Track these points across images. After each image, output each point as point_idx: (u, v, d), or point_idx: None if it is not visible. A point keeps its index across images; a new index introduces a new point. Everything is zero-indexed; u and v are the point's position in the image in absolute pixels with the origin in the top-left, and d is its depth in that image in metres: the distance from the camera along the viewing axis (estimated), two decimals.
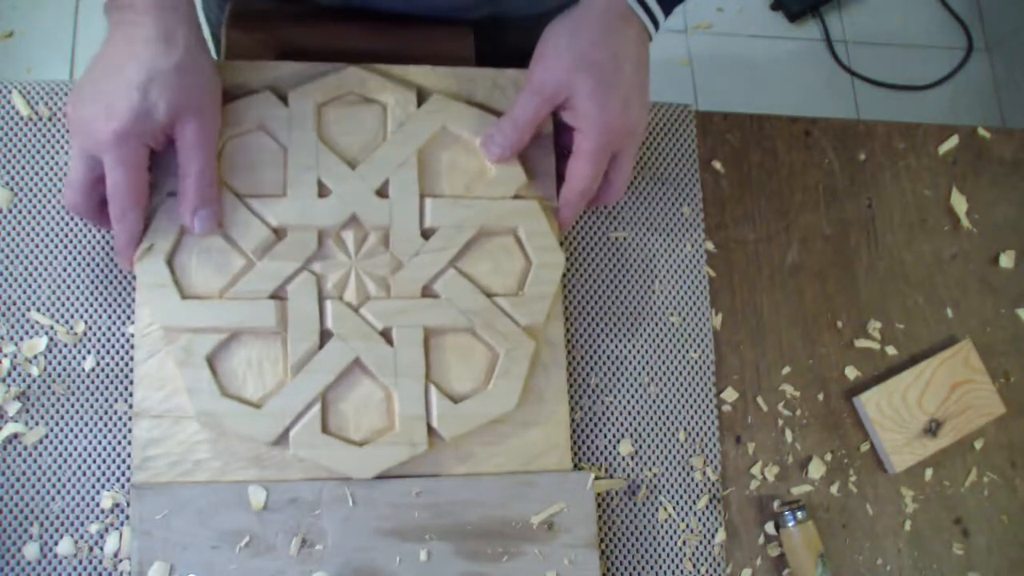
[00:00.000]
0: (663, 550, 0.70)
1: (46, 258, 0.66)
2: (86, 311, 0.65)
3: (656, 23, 0.67)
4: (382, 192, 0.66)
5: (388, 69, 0.69)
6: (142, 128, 0.58)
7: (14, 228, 0.66)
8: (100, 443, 0.63)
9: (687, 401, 0.72)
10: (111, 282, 0.66)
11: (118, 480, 0.63)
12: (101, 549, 0.62)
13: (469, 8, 0.76)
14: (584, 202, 0.67)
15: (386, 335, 0.65)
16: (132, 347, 0.65)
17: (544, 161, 0.71)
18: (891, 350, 0.78)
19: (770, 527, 0.72)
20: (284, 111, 0.66)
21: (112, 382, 0.64)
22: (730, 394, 0.74)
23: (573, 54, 0.64)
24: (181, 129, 0.60)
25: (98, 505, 0.62)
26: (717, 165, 0.79)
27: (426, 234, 0.66)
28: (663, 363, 0.72)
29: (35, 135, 0.67)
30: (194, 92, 0.60)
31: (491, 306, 0.66)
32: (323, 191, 0.65)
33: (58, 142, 0.68)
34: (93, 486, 0.63)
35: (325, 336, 0.64)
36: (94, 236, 0.66)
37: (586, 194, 0.66)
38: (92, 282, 0.66)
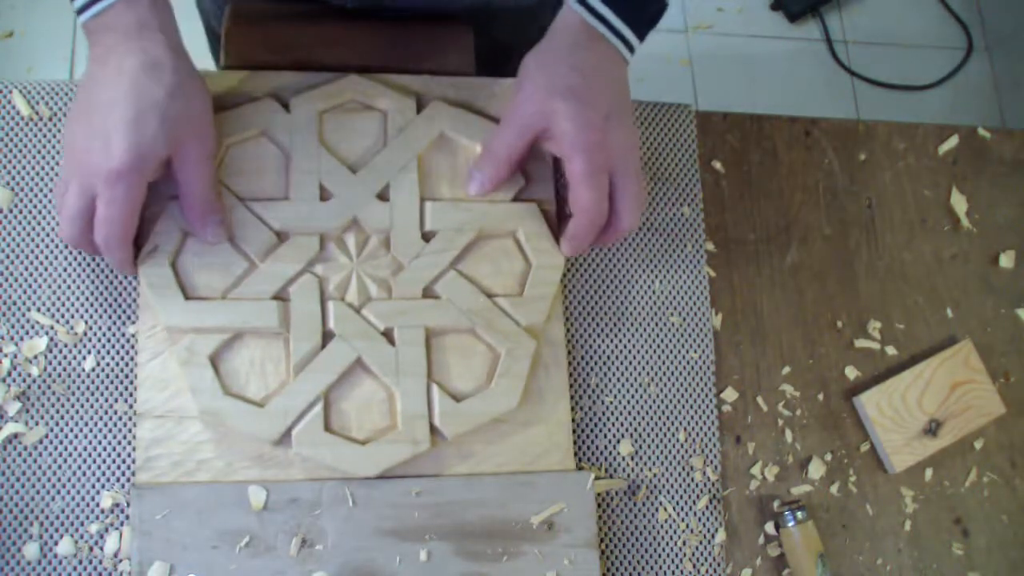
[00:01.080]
0: (663, 550, 0.70)
1: (46, 258, 0.66)
2: (86, 311, 0.65)
3: (630, 46, 0.65)
4: (383, 196, 0.67)
5: (387, 78, 0.70)
6: (141, 165, 0.58)
7: (14, 228, 0.66)
8: (100, 443, 0.63)
9: (687, 401, 0.72)
10: (111, 282, 0.66)
11: (118, 480, 0.63)
12: (101, 549, 0.62)
13: None
14: (594, 233, 0.65)
15: (388, 335, 0.65)
16: (132, 347, 0.65)
17: (541, 165, 0.71)
18: (891, 350, 0.78)
19: (770, 527, 0.72)
20: (286, 117, 0.67)
21: (112, 382, 0.64)
22: (730, 394, 0.74)
23: (547, 81, 0.63)
24: (181, 155, 0.60)
25: (98, 505, 0.62)
26: (717, 165, 0.79)
27: (426, 237, 0.67)
28: (663, 363, 0.73)
29: (36, 135, 0.67)
30: (190, 117, 0.60)
31: (492, 306, 0.66)
32: (325, 195, 0.66)
33: (59, 142, 0.68)
34: (93, 486, 0.63)
35: (327, 336, 0.64)
36: None
37: (594, 223, 0.64)
38: (92, 282, 0.66)
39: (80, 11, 0.59)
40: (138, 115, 0.57)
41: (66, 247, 0.66)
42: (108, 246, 0.60)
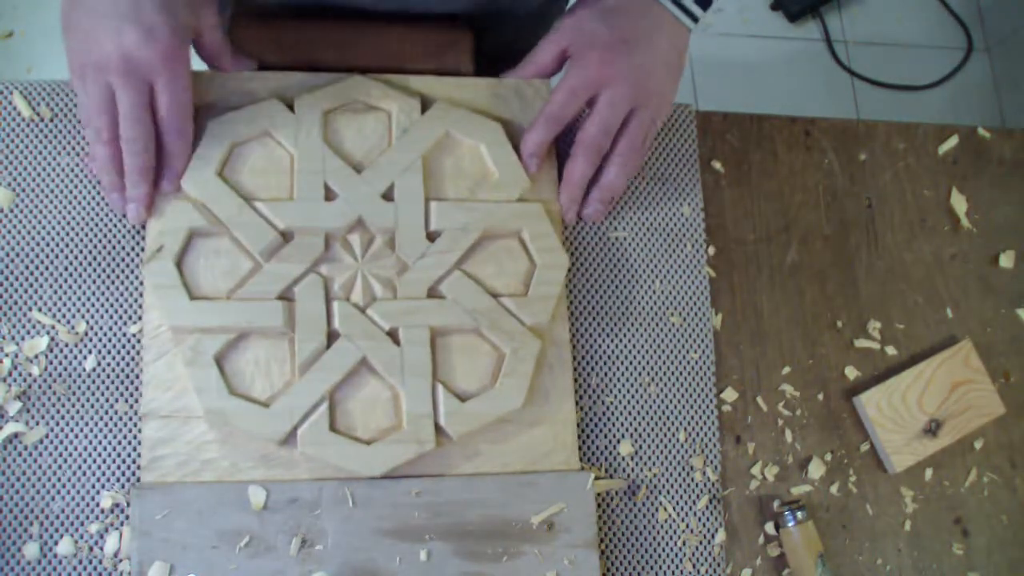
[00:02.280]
0: (663, 550, 0.70)
1: (47, 258, 0.66)
2: (87, 311, 0.65)
3: (691, 15, 0.66)
4: (388, 196, 0.67)
5: (391, 78, 0.70)
6: (185, 39, 0.61)
7: (15, 228, 0.66)
8: (100, 443, 0.63)
9: (687, 401, 0.72)
10: (113, 282, 0.66)
11: (118, 480, 0.63)
12: (101, 549, 0.62)
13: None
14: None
15: (393, 335, 0.65)
16: (134, 347, 0.65)
17: (546, 165, 0.71)
18: (891, 350, 0.78)
19: (770, 527, 0.72)
20: (291, 118, 0.67)
21: (113, 382, 0.64)
22: (730, 394, 0.74)
23: (593, 14, 0.66)
24: (203, 23, 0.63)
25: (98, 505, 0.62)
26: (717, 165, 0.79)
27: (431, 237, 0.67)
28: (663, 363, 0.73)
29: (36, 135, 0.68)
30: None
31: (497, 306, 0.67)
32: (329, 195, 0.66)
33: (60, 142, 0.68)
34: (93, 486, 0.63)
35: (332, 336, 0.64)
36: (95, 236, 0.66)
37: (557, 119, 0.67)
38: (94, 282, 0.66)
39: None
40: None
41: (67, 247, 0.66)
42: (180, 129, 0.62)
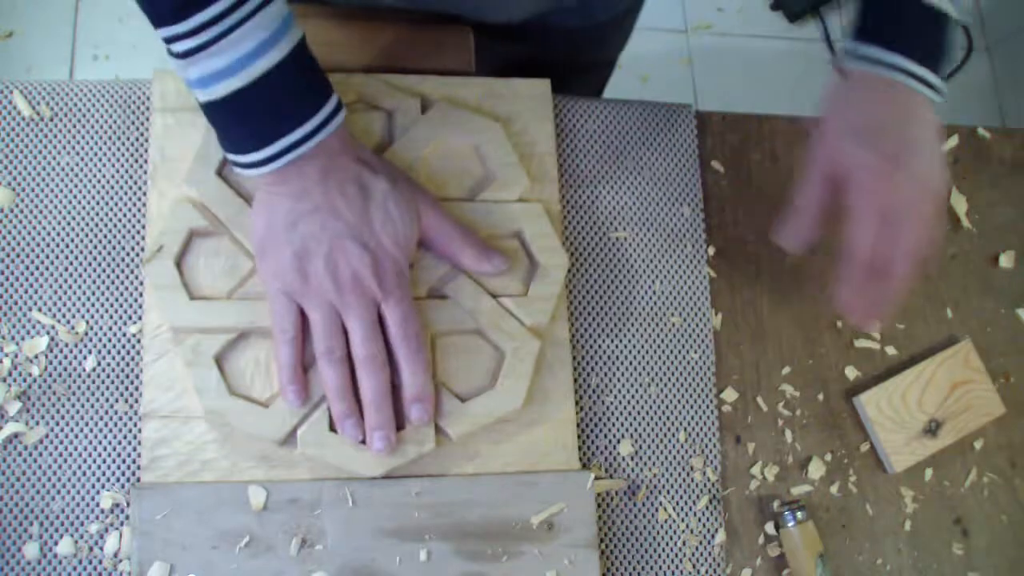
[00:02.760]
0: (663, 550, 0.70)
1: (47, 257, 0.66)
2: (88, 311, 0.65)
3: (937, 90, 0.63)
4: None
5: (392, 78, 0.70)
6: (409, 252, 0.63)
7: (15, 228, 0.66)
8: (100, 443, 0.63)
9: (687, 401, 0.72)
10: (113, 282, 0.66)
11: (118, 480, 0.63)
12: (101, 549, 0.62)
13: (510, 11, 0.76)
14: (865, 281, 0.62)
15: None
16: (134, 347, 0.65)
17: (546, 163, 0.71)
18: (891, 350, 0.78)
19: (770, 527, 0.72)
20: None
21: (113, 382, 0.64)
22: (730, 394, 0.74)
23: (835, 125, 0.63)
24: (428, 222, 0.64)
25: (98, 505, 0.62)
26: (717, 165, 0.79)
27: None
28: (663, 363, 0.73)
29: (36, 135, 0.67)
30: (412, 188, 0.64)
31: (497, 307, 0.66)
32: None
33: (60, 142, 0.68)
34: (93, 486, 0.63)
35: None
36: (95, 236, 0.66)
37: (864, 269, 0.62)
38: (94, 282, 0.66)
39: (266, 161, 0.57)
40: (385, 205, 0.60)
41: (67, 247, 0.66)
42: (411, 358, 0.61)
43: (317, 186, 0.58)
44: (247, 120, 0.56)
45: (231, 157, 0.58)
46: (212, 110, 0.56)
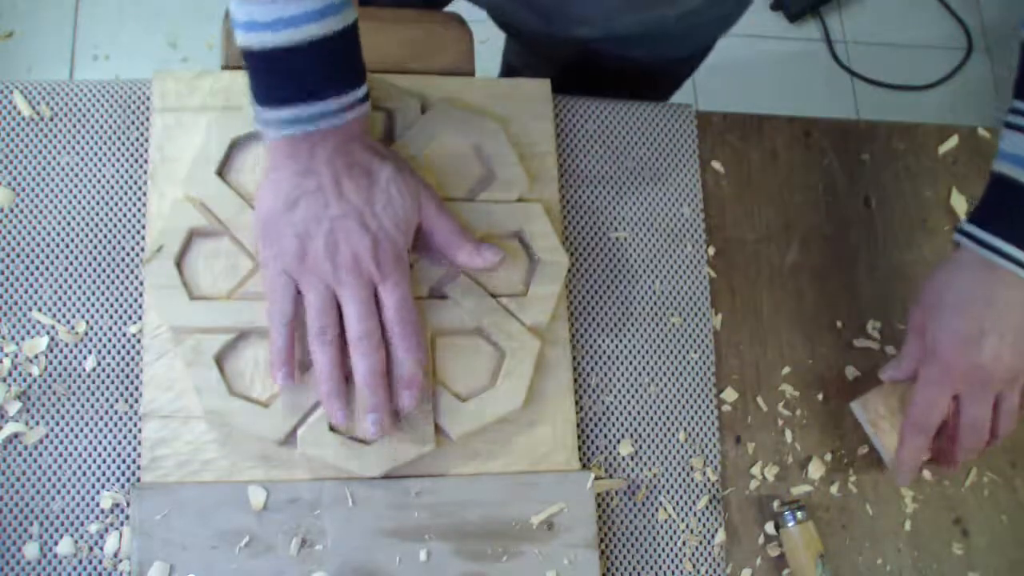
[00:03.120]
0: (663, 550, 0.70)
1: (47, 257, 0.66)
2: (87, 311, 0.65)
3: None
4: None
5: (392, 78, 0.70)
6: (408, 237, 0.62)
7: (15, 228, 0.66)
8: (100, 443, 0.63)
9: (687, 401, 0.72)
10: (113, 282, 0.66)
11: (118, 480, 0.63)
12: (101, 549, 0.62)
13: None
14: (922, 438, 0.68)
15: None
16: (134, 347, 0.65)
17: (546, 163, 0.71)
18: (891, 350, 0.78)
19: (770, 527, 0.72)
20: None
21: (113, 382, 0.64)
22: (730, 394, 0.74)
23: (937, 315, 0.66)
24: (425, 212, 0.63)
25: (98, 505, 0.62)
26: (717, 165, 0.79)
27: None
28: (663, 363, 0.73)
29: (36, 135, 0.67)
30: (415, 178, 0.63)
31: (497, 307, 0.66)
32: None
33: (60, 142, 0.68)
34: (93, 486, 0.63)
35: None
36: (95, 236, 0.66)
37: (923, 428, 0.67)
38: (94, 282, 0.66)
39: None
40: (389, 189, 0.60)
41: (67, 247, 0.66)
42: (405, 341, 0.60)
43: (324, 166, 0.58)
44: (286, 77, 0.56)
45: (257, 110, 0.58)
46: (256, 57, 0.56)
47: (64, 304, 0.65)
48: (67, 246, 0.66)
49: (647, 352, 0.72)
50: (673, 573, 0.69)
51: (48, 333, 0.64)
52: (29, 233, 0.66)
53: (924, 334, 0.67)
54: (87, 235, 0.66)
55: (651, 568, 0.69)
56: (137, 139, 0.69)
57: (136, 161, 0.68)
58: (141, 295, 0.66)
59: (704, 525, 0.71)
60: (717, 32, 0.86)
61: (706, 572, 0.70)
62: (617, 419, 0.71)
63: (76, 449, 0.63)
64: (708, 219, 0.77)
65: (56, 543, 0.61)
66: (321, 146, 0.58)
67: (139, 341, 0.65)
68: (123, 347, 0.65)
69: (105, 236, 0.67)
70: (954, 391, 0.66)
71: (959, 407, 0.67)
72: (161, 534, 0.60)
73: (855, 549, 0.73)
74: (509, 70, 1.04)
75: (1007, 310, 0.64)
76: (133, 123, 0.69)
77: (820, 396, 0.76)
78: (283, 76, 0.56)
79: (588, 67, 0.83)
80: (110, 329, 0.65)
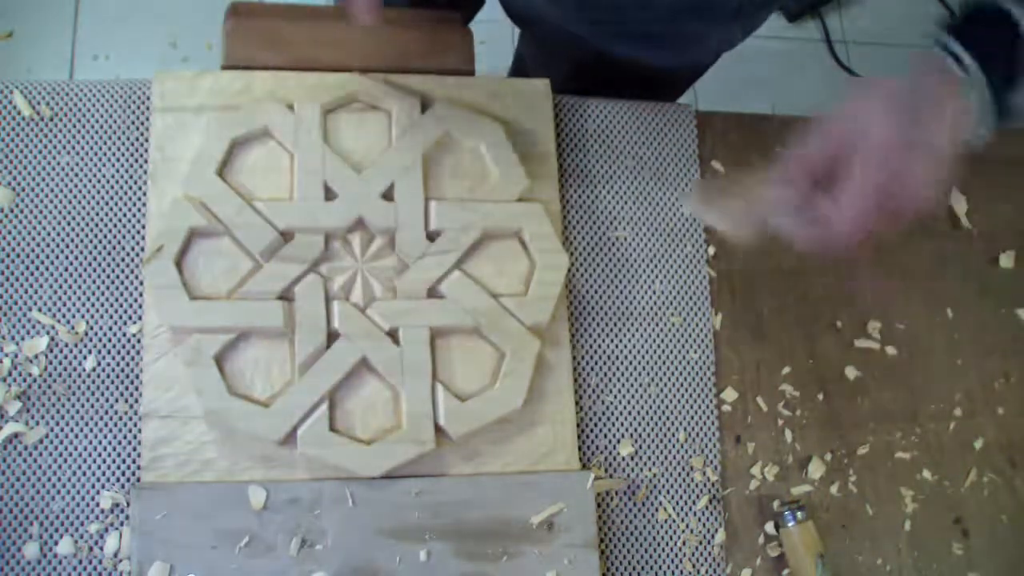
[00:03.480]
0: (663, 550, 0.70)
1: (47, 257, 0.66)
2: (87, 311, 0.65)
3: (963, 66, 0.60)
4: (388, 196, 0.67)
5: (392, 78, 0.70)
6: None
7: (15, 228, 0.66)
8: (100, 443, 0.63)
9: (687, 401, 0.72)
10: (113, 282, 0.66)
11: (118, 480, 0.63)
12: (101, 549, 0.62)
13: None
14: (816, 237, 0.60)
15: (393, 335, 0.65)
16: (134, 347, 0.65)
17: (546, 163, 0.71)
18: (891, 350, 0.78)
19: (770, 527, 0.72)
20: (291, 117, 0.67)
21: (113, 382, 0.64)
22: (730, 394, 0.74)
23: (874, 107, 0.62)
24: None
25: (98, 505, 0.62)
26: (717, 165, 0.79)
27: (431, 236, 0.67)
28: (663, 363, 0.73)
29: (36, 135, 0.67)
30: None
31: (496, 306, 0.66)
32: (329, 195, 0.66)
33: (60, 142, 0.68)
34: (93, 486, 0.63)
35: (332, 337, 0.64)
36: (95, 236, 0.66)
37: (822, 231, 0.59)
38: (94, 282, 0.66)
39: None
40: None
41: (67, 247, 0.66)
42: None
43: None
44: None
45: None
46: None
47: (64, 304, 0.65)
48: (67, 246, 0.66)
49: (647, 352, 0.72)
50: (673, 573, 0.69)
51: (48, 333, 0.64)
52: (29, 233, 0.66)
53: (838, 136, 0.62)
54: (87, 235, 0.66)
55: (651, 568, 0.69)
56: (137, 139, 0.69)
57: (136, 161, 0.68)
58: (141, 295, 0.66)
59: (704, 525, 0.71)
60: (743, 37, 0.85)
61: (706, 572, 0.70)
62: (617, 419, 0.71)
63: (76, 449, 0.63)
64: None
65: (56, 543, 0.61)
66: None
67: (139, 341, 0.65)
68: (123, 347, 0.65)
69: (105, 236, 0.67)
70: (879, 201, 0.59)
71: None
72: (161, 534, 0.60)
73: (855, 549, 0.73)
74: (520, 66, 1.03)
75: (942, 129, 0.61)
76: (133, 123, 0.69)
77: (820, 396, 0.76)
78: None
79: (601, 66, 0.83)
80: (110, 329, 0.65)
